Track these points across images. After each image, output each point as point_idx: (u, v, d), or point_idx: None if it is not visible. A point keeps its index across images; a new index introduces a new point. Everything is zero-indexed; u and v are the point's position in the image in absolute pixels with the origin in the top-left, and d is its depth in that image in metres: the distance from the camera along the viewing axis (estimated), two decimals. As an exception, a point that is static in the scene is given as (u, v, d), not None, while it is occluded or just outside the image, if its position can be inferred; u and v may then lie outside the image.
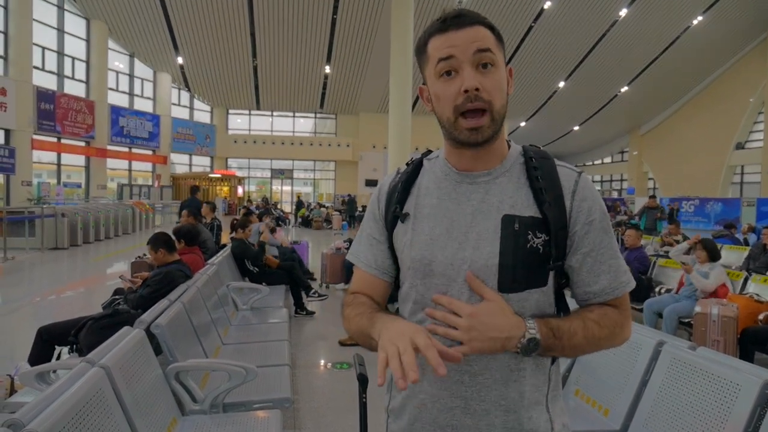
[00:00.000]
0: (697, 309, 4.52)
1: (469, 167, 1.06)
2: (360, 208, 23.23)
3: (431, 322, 1.01)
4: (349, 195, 25.71)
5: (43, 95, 19.05)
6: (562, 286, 1.07)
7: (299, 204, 24.53)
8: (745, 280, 5.38)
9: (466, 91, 0.96)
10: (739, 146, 27.24)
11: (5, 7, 17.63)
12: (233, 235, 6.86)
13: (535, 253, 0.99)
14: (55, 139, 20.35)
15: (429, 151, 1.18)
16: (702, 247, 5.33)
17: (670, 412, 2.29)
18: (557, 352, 1.01)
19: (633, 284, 1.08)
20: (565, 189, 1.03)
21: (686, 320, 4.92)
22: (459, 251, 1.01)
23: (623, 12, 22.94)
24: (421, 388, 1.05)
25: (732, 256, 8.04)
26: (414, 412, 1.07)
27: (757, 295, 4.92)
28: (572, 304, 1.11)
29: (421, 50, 1.05)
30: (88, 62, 22.08)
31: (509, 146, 1.10)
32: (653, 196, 13.36)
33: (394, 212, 1.11)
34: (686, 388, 2.26)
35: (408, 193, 1.11)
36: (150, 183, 26.43)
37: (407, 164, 1.17)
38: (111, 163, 23.84)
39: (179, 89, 28.10)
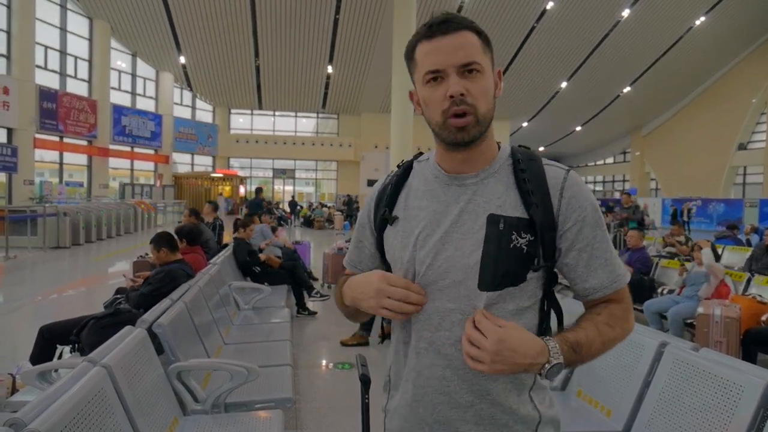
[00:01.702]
0: (700, 310, 4.51)
1: (458, 169, 1.08)
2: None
3: (421, 325, 1.07)
4: (348, 195, 25.90)
5: (45, 94, 19.08)
6: (549, 286, 1.09)
7: (293, 204, 24.59)
8: (748, 281, 5.37)
9: (451, 96, 0.99)
10: (742, 147, 27.21)
11: (8, 6, 17.67)
12: (236, 234, 6.86)
13: (518, 253, 1.01)
14: (57, 138, 20.39)
15: (419, 154, 1.21)
16: (699, 249, 5.33)
17: (672, 414, 2.28)
18: (577, 365, 1.02)
19: (628, 277, 1.10)
20: (552, 188, 1.04)
21: (689, 321, 4.91)
22: (442, 251, 1.03)
23: (626, 12, 22.91)
24: (409, 386, 1.09)
25: (734, 257, 8.02)
26: (403, 411, 1.10)
27: (760, 296, 4.92)
28: (567, 304, 1.11)
29: (409, 56, 1.07)
30: (90, 61, 22.12)
31: (499, 148, 1.12)
32: (627, 193, 13.05)
33: (383, 215, 1.13)
34: (689, 390, 2.26)
35: (397, 196, 1.14)
36: (152, 182, 26.47)
37: (398, 167, 1.19)
38: (113, 162, 23.87)
39: (181, 89, 28.13)
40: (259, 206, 11.92)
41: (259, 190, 12.68)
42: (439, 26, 1.01)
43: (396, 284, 1.02)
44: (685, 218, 21.28)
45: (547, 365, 0.94)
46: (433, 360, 1.05)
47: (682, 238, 8.48)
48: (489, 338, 0.93)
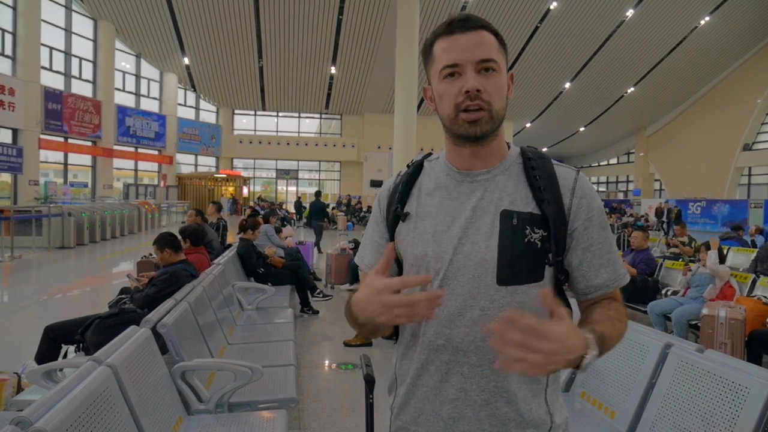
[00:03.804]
0: (705, 311, 4.49)
1: (469, 166, 1.10)
2: (365, 208, 23.36)
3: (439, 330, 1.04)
4: (349, 195, 26.16)
5: (50, 95, 19.16)
6: (561, 282, 1.10)
7: (298, 204, 24.71)
8: (753, 282, 5.33)
9: (467, 92, 1.01)
10: (747, 147, 27.09)
11: (14, 8, 17.76)
12: (242, 235, 6.85)
13: (532, 248, 1.02)
14: (62, 139, 20.46)
15: (429, 153, 1.22)
16: (706, 249, 5.31)
17: (677, 415, 2.27)
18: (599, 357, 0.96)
19: (629, 277, 1.12)
20: (563, 187, 1.07)
21: (693, 322, 4.89)
22: (459, 247, 1.04)
23: (629, 13, 22.85)
24: (423, 382, 1.08)
25: (739, 258, 7.98)
26: (417, 406, 1.10)
27: (765, 297, 4.89)
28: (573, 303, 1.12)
29: (427, 51, 1.10)
30: (95, 62, 22.20)
31: (509, 148, 1.14)
32: None
33: (395, 212, 1.14)
34: (694, 391, 2.25)
35: (409, 194, 1.15)
36: (156, 183, 26.53)
37: (408, 166, 1.20)
38: (117, 162, 23.93)
39: (185, 89, 28.19)
40: (321, 210, 12.64)
41: (318, 194, 13.24)
42: (459, 23, 1.04)
43: (395, 288, 0.92)
44: (664, 219, 21.17)
45: (587, 357, 0.89)
46: (450, 357, 1.05)
47: (685, 239, 8.42)
48: (551, 338, 0.83)
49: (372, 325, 0.99)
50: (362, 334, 1.14)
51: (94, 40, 22.10)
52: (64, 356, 3.70)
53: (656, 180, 34.41)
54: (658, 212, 22.16)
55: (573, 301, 1.14)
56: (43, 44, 18.90)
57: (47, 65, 19.62)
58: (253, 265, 6.42)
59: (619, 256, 1.12)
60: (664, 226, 20.58)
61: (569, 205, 1.06)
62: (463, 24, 1.04)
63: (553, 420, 1.07)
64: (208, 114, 30.20)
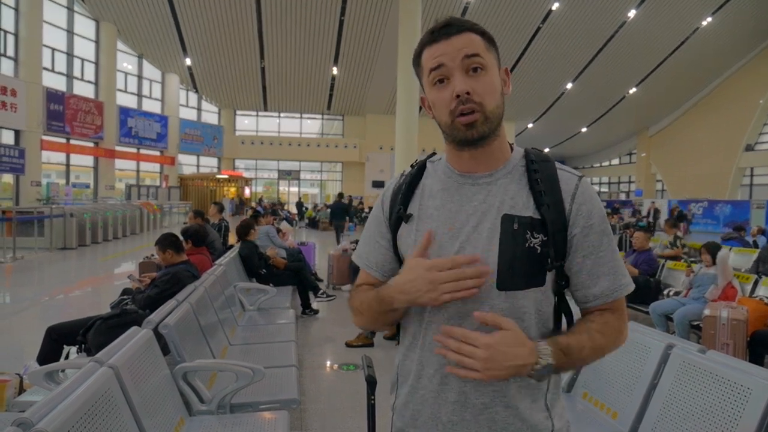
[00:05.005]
0: (707, 312, 4.48)
1: (470, 169, 1.09)
2: (367, 209, 23.38)
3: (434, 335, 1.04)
4: (350, 196, 25.81)
5: (52, 96, 19.20)
6: (562, 287, 1.09)
7: (300, 205, 24.78)
8: (755, 283, 5.32)
9: (457, 96, 1.01)
10: (749, 148, 27.04)
11: (16, 9, 17.80)
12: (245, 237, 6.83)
13: (533, 253, 1.01)
14: (64, 140, 20.51)
15: (433, 153, 1.21)
16: (706, 251, 5.31)
17: (679, 416, 2.27)
18: (566, 369, 1.03)
19: (632, 286, 1.10)
20: (564, 192, 1.05)
21: (695, 323, 4.88)
22: (460, 251, 1.03)
23: (631, 13, 22.83)
24: (423, 384, 1.08)
25: (741, 258, 7.95)
26: (417, 408, 1.09)
27: (767, 298, 4.88)
28: (575, 308, 1.12)
29: (416, 62, 1.10)
30: (97, 63, 22.24)
31: (512, 149, 1.13)
32: None
33: (398, 213, 1.13)
34: (696, 392, 2.25)
35: (412, 195, 1.14)
36: (158, 184, 26.56)
37: (411, 167, 1.19)
38: (119, 163, 23.99)
39: (187, 90, 28.24)
40: (342, 210, 13.21)
41: (341, 195, 13.89)
42: (441, 30, 1.03)
43: (444, 267, 0.98)
44: (650, 219, 21.13)
45: (537, 365, 0.96)
46: (446, 362, 1.03)
47: (671, 238, 8.36)
48: (478, 345, 0.94)
49: (403, 309, 1.06)
50: (374, 326, 1.16)
51: (96, 41, 22.15)
52: (66, 357, 3.71)
53: (658, 180, 34.37)
54: (662, 213, 22.15)
55: (575, 307, 1.13)
56: (45, 45, 18.95)
57: (49, 66, 19.67)
58: (255, 266, 6.42)
59: (622, 264, 1.10)
60: (650, 225, 20.64)
61: (569, 210, 1.04)
62: (445, 31, 1.03)
63: (554, 425, 1.06)
64: (210, 115, 30.24)
